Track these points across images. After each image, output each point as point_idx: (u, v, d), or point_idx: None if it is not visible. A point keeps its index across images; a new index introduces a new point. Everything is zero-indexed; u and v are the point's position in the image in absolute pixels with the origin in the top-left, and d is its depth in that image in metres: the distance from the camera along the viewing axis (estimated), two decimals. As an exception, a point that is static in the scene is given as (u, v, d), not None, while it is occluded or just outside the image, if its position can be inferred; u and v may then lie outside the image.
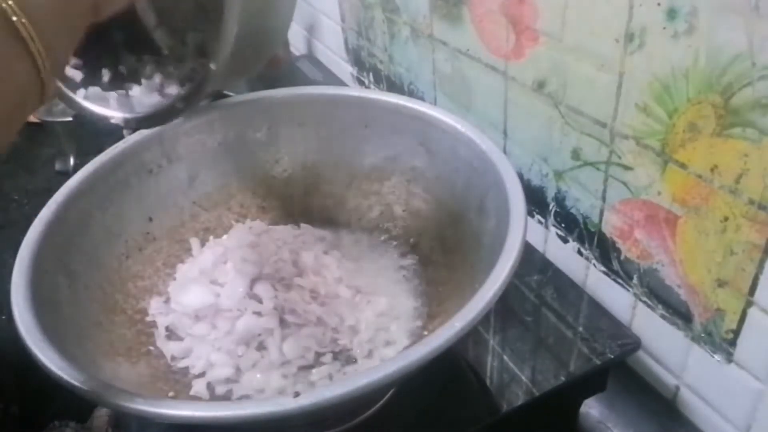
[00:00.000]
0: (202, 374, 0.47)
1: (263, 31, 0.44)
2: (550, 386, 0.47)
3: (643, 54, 0.44)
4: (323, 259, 0.54)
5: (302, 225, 0.59)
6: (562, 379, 0.48)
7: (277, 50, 0.51)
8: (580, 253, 0.58)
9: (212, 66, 0.41)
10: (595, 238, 0.55)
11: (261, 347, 0.48)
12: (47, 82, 0.31)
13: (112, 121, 0.46)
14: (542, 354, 0.50)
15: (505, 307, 0.55)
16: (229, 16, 0.38)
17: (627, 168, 0.49)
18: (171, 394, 0.45)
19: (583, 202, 0.55)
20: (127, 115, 0.46)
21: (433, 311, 0.51)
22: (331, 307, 0.50)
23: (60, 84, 0.45)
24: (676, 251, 0.47)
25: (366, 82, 0.91)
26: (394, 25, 0.76)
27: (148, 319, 0.50)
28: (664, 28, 0.42)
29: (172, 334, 0.50)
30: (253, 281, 0.51)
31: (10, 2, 0.28)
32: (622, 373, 0.54)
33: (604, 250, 0.55)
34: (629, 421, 0.52)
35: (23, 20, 0.29)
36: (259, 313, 0.49)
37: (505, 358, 0.50)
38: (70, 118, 0.78)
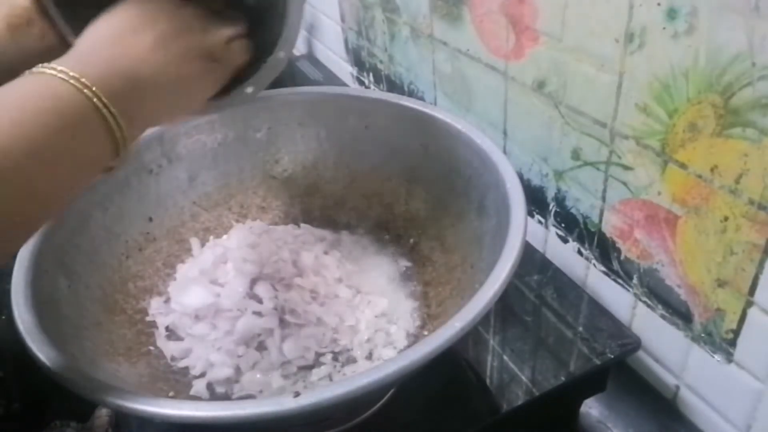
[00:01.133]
0: (202, 374, 0.47)
1: None
2: (550, 386, 0.47)
3: (643, 54, 0.44)
4: (323, 259, 0.54)
5: (302, 225, 0.59)
6: (562, 379, 0.48)
7: None
8: (580, 253, 0.58)
9: (281, 55, 0.43)
10: (595, 238, 0.55)
11: (261, 347, 0.48)
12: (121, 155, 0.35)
13: None
14: (542, 354, 0.50)
15: (505, 307, 0.55)
16: (294, 7, 0.41)
17: (627, 168, 0.49)
18: (171, 394, 0.45)
19: (583, 202, 0.55)
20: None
21: (433, 311, 0.51)
22: (331, 308, 0.50)
23: None
24: (676, 251, 0.47)
25: (366, 82, 0.91)
26: (394, 25, 0.76)
27: (148, 319, 0.50)
28: (664, 28, 0.42)
29: (172, 334, 0.50)
30: (253, 281, 0.51)
31: (104, 100, 0.33)
32: (622, 373, 0.54)
33: (604, 250, 0.55)
34: (629, 421, 0.52)
35: (112, 110, 0.33)
36: (259, 313, 0.49)
37: (505, 358, 0.50)
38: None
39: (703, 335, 0.48)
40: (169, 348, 0.49)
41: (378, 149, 0.57)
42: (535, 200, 0.61)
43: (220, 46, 0.41)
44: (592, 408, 0.53)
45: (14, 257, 0.41)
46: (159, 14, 0.39)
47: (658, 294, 0.51)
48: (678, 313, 0.49)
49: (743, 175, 0.40)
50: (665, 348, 0.52)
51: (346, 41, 0.93)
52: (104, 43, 0.37)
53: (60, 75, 0.33)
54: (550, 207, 0.60)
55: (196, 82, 0.40)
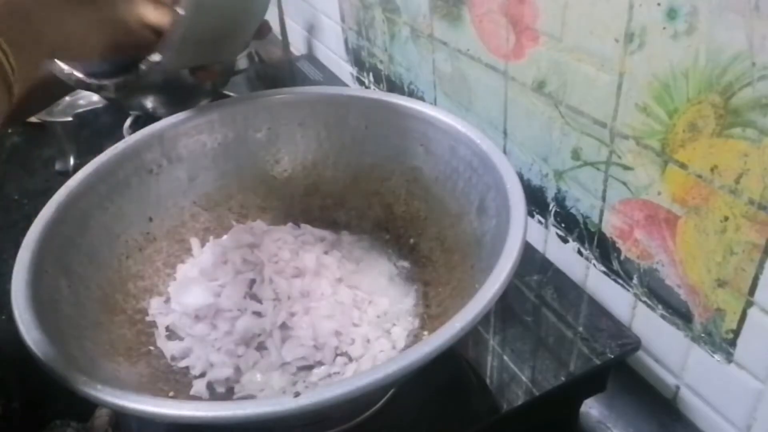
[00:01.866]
0: (202, 374, 0.47)
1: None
2: (550, 386, 0.47)
3: (643, 54, 0.44)
4: (323, 259, 0.54)
5: (302, 225, 0.59)
6: (562, 379, 0.48)
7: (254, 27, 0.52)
8: (580, 253, 0.58)
9: (180, 11, 0.41)
10: (595, 238, 0.55)
11: (261, 347, 0.48)
12: (13, 92, 0.33)
13: (90, 84, 0.45)
14: (542, 354, 0.50)
15: (505, 307, 0.55)
16: None
17: (627, 168, 0.49)
18: (171, 394, 0.45)
19: (583, 202, 0.55)
20: (107, 81, 0.45)
21: (433, 311, 0.51)
22: (331, 308, 0.50)
23: None
24: (676, 251, 0.47)
25: (366, 82, 0.91)
26: (394, 25, 0.76)
27: (148, 319, 0.50)
28: (664, 28, 0.42)
29: (172, 334, 0.50)
30: (253, 281, 0.51)
31: None
32: (622, 373, 0.54)
33: (604, 250, 0.55)
34: (629, 421, 0.52)
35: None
36: (258, 314, 0.49)
37: (505, 358, 0.50)
38: (70, 118, 0.79)
39: (703, 335, 0.48)
40: (169, 348, 0.49)
41: (378, 149, 0.57)
42: (535, 200, 0.61)
43: None
44: (592, 408, 0.53)
45: (14, 257, 0.42)
46: None
47: (658, 294, 0.51)
48: (678, 313, 0.49)
49: (743, 175, 0.40)
50: (665, 348, 0.52)
51: (346, 41, 0.93)
52: None
53: None
54: (550, 207, 0.60)
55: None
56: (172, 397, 0.45)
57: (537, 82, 0.55)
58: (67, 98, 0.99)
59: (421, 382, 0.44)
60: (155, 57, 0.43)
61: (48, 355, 0.35)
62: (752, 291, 0.42)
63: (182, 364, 0.48)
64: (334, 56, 1.00)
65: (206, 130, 0.57)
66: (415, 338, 0.49)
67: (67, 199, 0.47)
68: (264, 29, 0.53)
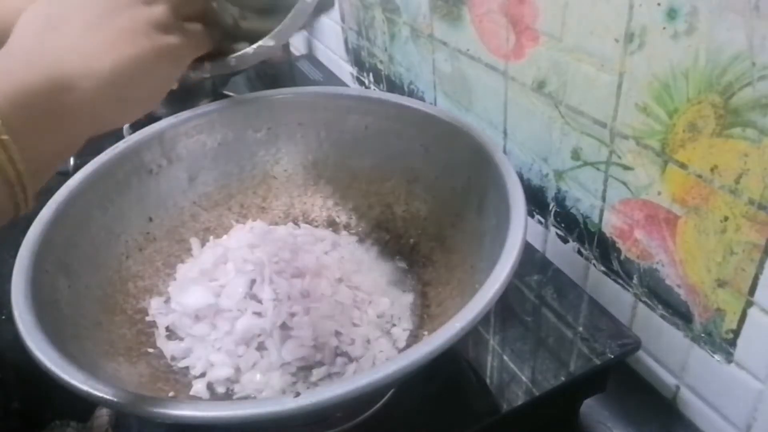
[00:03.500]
0: (202, 374, 0.47)
1: None
2: (550, 386, 0.47)
3: (643, 54, 0.44)
4: (323, 259, 0.54)
5: (302, 225, 0.59)
6: (562, 379, 0.48)
7: None
8: (580, 253, 0.58)
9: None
10: (595, 238, 0.55)
11: (261, 347, 0.48)
12: (22, 203, 0.29)
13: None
14: (542, 354, 0.50)
15: (505, 307, 0.55)
16: None
17: (627, 168, 0.49)
18: (171, 394, 0.45)
19: (583, 202, 0.55)
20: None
21: (433, 311, 0.51)
22: (331, 308, 0.50)
23: None
24: (676, 251, 0.47)
25: (366, 82, 0.91)
26: (394, 25, 0.76)
27: (148, 319, 0.50)
28: (664, 28, 0.42)
29: (172, 334, 0.50)
30: (253, 281, 0.51)
31: None
32: (622, 373, 0.54)
33: (604, 250, 0.55)
34: (629, 421, 0.52)
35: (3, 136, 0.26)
36: (258, 314, 0.49)
37: (505, 358, 0.50)
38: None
39: (703, 335, 0.48)
40: (169, 348, 0.49)
41: (378, 149, 0.57)
42: (535, 200, 0.61)
43: (169, 16, 0.35)
44: (592, 408, 0.53)
45: (14, 257, 0.42)
46: None
47: (658, 294, 0.51)
48: (678, 313, 0.49)
49: (743, 175, 0.40)
50: (665, 348, 0.52)
51: (346, 41, 0.93)
52: (25, 39, 0.30)
53: None
54: (550, 207, 0.60)
55: (149, 63, 0.34)
56: (172, 397, 0.45)
57: (537, 82, 0.55)
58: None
59: (421, 382, 0.44)
60: (269, 42, 0.44)
61: (48, 355, 0.35)
62: (752, 291, 0.42)
63: (182, 364, 0.48)
64: (334, 56, 1.00)
65: (206, 130, 0.57)
66: (415, 338, 0.49)
67: (67, 199, 0.47)
68: (327, 3, 0.52)
